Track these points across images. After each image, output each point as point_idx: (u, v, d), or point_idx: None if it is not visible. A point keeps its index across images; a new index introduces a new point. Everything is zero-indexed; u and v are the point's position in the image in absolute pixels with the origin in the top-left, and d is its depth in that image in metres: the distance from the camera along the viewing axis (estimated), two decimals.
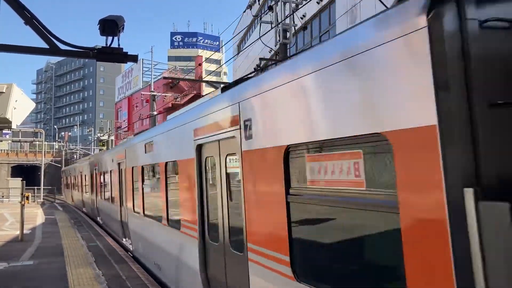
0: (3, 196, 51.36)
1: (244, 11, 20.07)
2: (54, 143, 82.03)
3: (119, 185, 14.43)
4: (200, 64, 49.35)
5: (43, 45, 7.36)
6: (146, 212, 10.55)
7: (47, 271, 11.07)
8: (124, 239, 14.42)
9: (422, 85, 2.44)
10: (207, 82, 19.29)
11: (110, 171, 16.41)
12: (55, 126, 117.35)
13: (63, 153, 71.75)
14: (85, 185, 27.06)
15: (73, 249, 14.60)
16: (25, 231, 17.83)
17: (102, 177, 19.23)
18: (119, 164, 14.33)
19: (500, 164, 2.33)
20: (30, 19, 7.20)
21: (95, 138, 71.64)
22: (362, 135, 2.93)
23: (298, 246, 3.72)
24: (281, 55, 16.12)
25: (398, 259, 2.65)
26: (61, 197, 59.14)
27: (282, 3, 16.62)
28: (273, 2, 16.97)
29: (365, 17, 3.33)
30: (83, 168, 28.54)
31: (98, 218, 22.22)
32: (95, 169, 21.70)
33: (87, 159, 29.14)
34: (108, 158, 17.01)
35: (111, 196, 16.42)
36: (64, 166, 70.02)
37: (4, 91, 14.12)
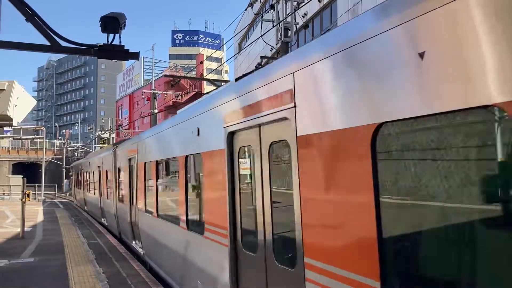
0: (4, 194, 51.44)
1: (246, 9, 20.05)
2: (55, 140, 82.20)
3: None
4: (201, 62, 49.27)
5: (44, 42, 7.36)
6: None
7: (48, 268, 11.08)
8: None
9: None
10: (208, 80, 19.30)
11: (193, 157, 7.32)
12: (56, 124, 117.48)
13: (64, 150, 71.80)
14: (109, 187, 17.98)
15: (73, 246, 14.61)
16: (25, 229, 17.85)
17: (159, 172, 9.79)
18: (232, 136, 5.67)
19: None
20: (31, 16, 7.19)
21: (96, 136, 71.63)
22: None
23: None
24: (282, 54, 16.10)
25: None
26: (65, 197, 59.17)
27: (284, 1, 16.60)
28: (274, 1, 16.94)
29: None
30: (103, 160, 19.18)
31: (136, 244, 13.03)
32: (132, 159, 12.89)
33: (110, 147, 19.45)
34: (177, 131, 8.08)
35: (187, 213, 7.53)
36: (66, 164, 70.02)
37: (5, 88, 14.09)
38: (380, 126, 2.94)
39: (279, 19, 16.42)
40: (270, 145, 4.64)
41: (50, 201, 43.92)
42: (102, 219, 21.00)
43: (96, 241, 15.79)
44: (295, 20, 16.70)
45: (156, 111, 31.49)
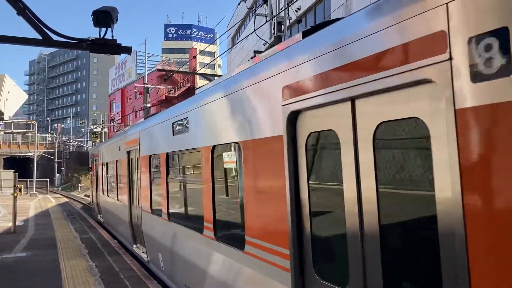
0: None
1: (239, 4, 19.99)
2: (47, 135, 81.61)
3: None
4: (194, 57, 49.12)
5: (36, 36, 7.32)
6: None
7: (40, 263, 11.06)
8: None
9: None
10: (201, 74, 19.25)
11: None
12: (48, 118, 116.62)
13: (56, 145, 71.38)
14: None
15: (66, 241, 14.58)
16: (17, 223, 17.77)
17: None
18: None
19: None
20: (23, 10, 7.13)
21: (88, 130, 71.25)
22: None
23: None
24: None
25: None
26: (58, 191, 58.55)
27: None
28: None
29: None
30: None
31: None
32: None
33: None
34: None
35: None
36: (57, 158, 69.42)
37: None
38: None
39: (272, 13, 16.40)
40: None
41: (42, 195, 43.58)
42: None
43: (89, 236, 15.77)
44: (288, 15, 16.68)
45: (148, 105, 31.37)
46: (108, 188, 16.17)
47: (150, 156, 9.27)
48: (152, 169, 9.27)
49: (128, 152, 11.91)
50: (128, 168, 11.85)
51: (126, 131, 12.89)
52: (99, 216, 19.88)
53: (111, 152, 15.29)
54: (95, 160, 20.44)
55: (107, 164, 16.34)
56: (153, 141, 9.09)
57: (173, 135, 7.44)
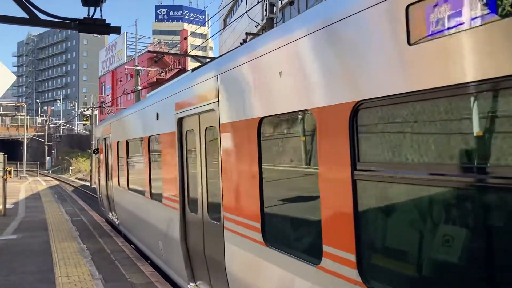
0: None
1: None
2: (37, 117, 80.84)
3: None
4: (185, 38, 48.55)
5: (23, 15, 7.15)
6: None
7: (31, 245, 11.03)
8: None
9: None
10: (192, 56, 19.06)
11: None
12: (38, 100, 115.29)
13: (46, 127, 70.80)
14: None
15: (57, 223, 14.55)
16: (8, 206, 17.69)
17: None
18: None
19: None
20: None
21: (79, 113, 70.66)
22: None
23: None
24: (267, 30, 15.94)
25: None
26: (48, 174, 58.32)
27: None
28: None
29: None
30: None
31: None
32: None
33: None
34: None
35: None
36: (48, 141, 68.87)
37: None
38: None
39: None
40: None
41: (32, 178, 43.26)
42: None
43: (80, 218, 15.75)
44: None
45: (139, 87, 31.11)
46: (130, 178, 11.20)
47: (261, 120, 4.34)
48: (268, 151, 4.38)
49: (181, 120, 6.90)
50: (180, 148, 7.00)
51: (173, 85, 7.83)
52: (110, 214, 14.56)
53: (137, 124, 10.12)
54: (105, 138, 14.92)
55: (127, 142, 11.31)
56: (277, 90, 4.01)
57: (410, 43, 2.52)
